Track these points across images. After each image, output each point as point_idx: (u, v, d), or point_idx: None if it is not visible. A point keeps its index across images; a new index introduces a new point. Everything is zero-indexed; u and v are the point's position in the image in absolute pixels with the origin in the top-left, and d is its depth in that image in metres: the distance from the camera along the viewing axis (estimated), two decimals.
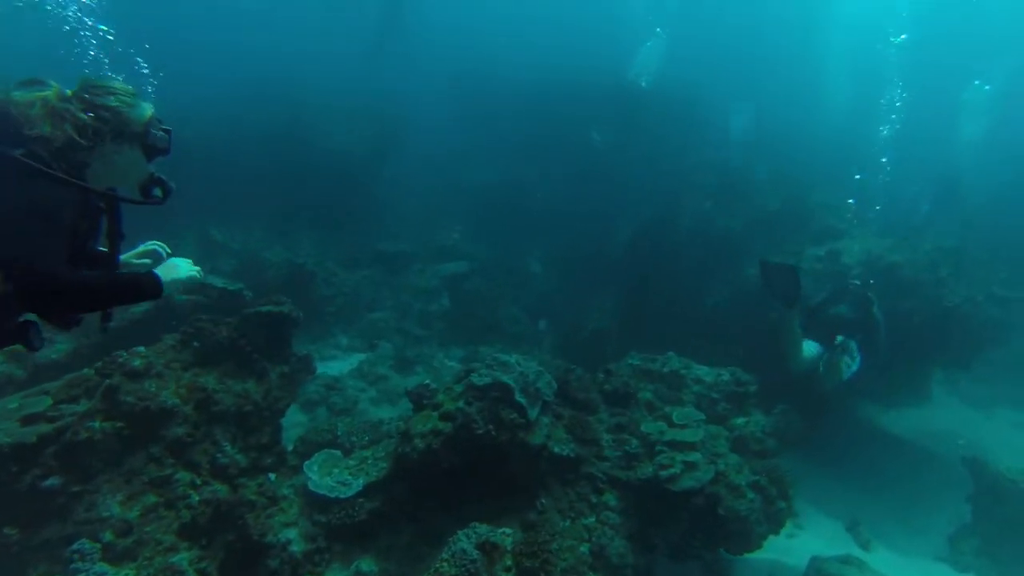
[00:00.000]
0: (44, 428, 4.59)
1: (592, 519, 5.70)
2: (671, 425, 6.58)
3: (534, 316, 13.23)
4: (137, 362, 5.08)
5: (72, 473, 4.59)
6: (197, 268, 2.99)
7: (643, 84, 19.01)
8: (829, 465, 9.51)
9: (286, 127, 16.21)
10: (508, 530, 4.69)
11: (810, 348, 8.34)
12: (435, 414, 5.50)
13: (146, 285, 2.69)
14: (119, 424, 4.78)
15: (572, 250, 15.22)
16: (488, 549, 4.23)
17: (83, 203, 2.65)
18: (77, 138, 2.65)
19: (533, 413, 5.61)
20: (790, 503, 6.33)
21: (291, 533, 5.24)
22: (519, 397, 5.52)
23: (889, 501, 9.13)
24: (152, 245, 3.29)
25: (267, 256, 12.04)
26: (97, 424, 4.73)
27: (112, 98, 2.81)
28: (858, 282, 9.31)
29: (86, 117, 2.70)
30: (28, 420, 4.65)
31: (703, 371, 7.83)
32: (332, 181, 15.52)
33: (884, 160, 14.98)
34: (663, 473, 5.78)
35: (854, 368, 8.20)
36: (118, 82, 2.88)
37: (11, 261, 2.29)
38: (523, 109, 19.46)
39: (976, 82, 22.47)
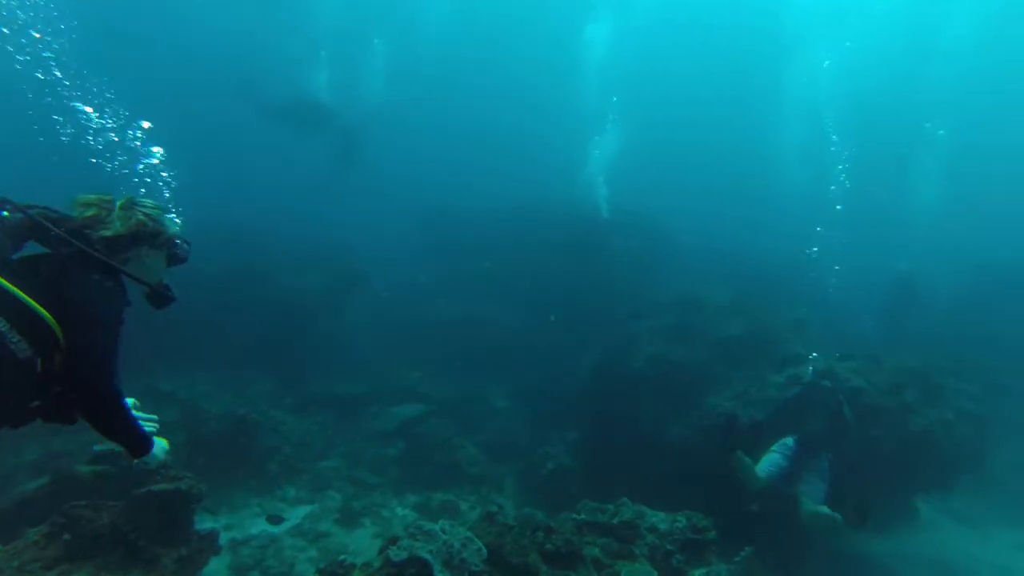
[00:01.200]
0: None
1: None
2: None
3: (496, 455, 12.69)
4: None
5: None
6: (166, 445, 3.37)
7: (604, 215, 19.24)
8: None
9: (241, 269, 15.99)
10: None
11: (767, 464, 8.21)
12: None
13: (144, 438, 3.22)
14: None
15: (538, 383, 14.87)
16: None
17: (126, 296, 3.15)
18: (129, 240, 3.17)
19: None
20: None
21: None
22: (440, 573, 4.99)
23: None
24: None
25: (208, 407, 11.48)
26: None
27: (154, 211, 3.33)
28: (828, 383, 9.09)
29: (139, 223, 3.21)
30: None
31: (659, 518, 7.32)
32: (288, 324, 15.20)
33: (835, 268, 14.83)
34: None
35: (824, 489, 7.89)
36: (151, 200, 3.38)
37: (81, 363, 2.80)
38: (484, 242, 19.56)
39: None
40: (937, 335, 15.19)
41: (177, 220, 3.50)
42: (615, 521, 7.06)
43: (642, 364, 11.94)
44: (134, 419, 3.19)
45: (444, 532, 5.47)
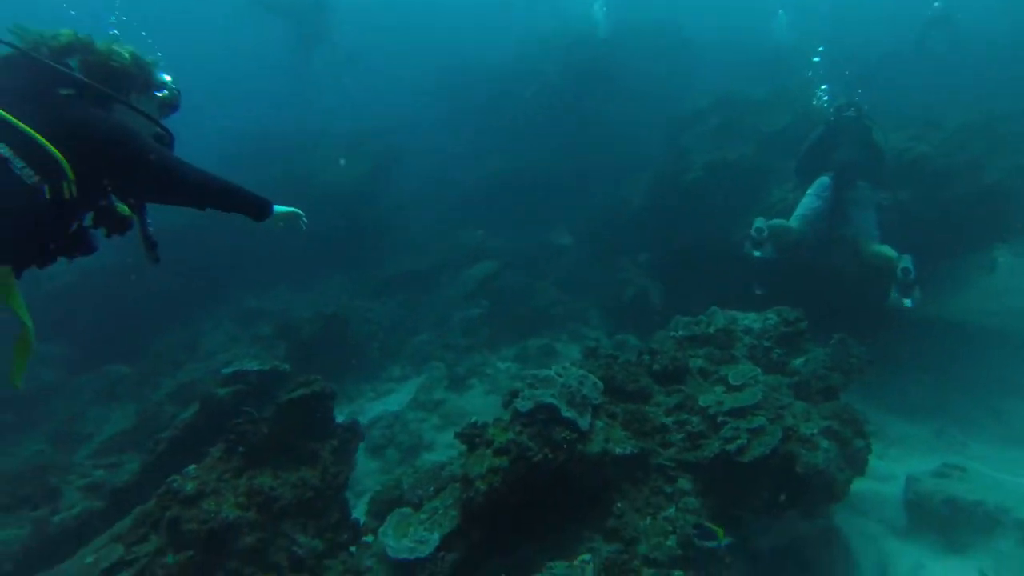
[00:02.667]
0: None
1: (671, 510, 5.57)
2: (729, 388, 6.44)
3: (575, 292, 13.10)
4: (189, 486, 5.13)
5: None
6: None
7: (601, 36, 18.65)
8: (903, 374, 9.21)
9: (282, 176, 16.29)
10: (587, 556, 4.63)
11: (800, 208, 8.69)
12: (488, 451, 5.43)
13: (257, 200, 3.32)
14: (189, 553, 4.82)
15: (598, 215, 15.06)
16: None
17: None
18: (122, 80, 3.24)
19: (585, 423, 5.51)
20: (868, 439, 6.13)
21: None
22: (566, 412, 5.42)
23: (972, 393, 8.84)
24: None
25: (300, 314, 12.07)
26: (170, 558, 4.78)
27: (148, 57, 3.41)
28: (852, 112, 9.01)
29: (128, 64, 3.28)
30: (108, 572, 4.71)
31: (750, 319, 7.65)
32: (342, 217, 15.55)
33: None
34: (730, 447, 5.64)
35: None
36: (131, 46, 3.40)
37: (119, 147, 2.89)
38: (505, 92, 19.33)
39: None
40: (987, 80, 14.64)
41: (166, 76, 3.52)
42: (711, 330, 7.40)
43: (699, 173, 11.99)
44: (221, 179, 3.19)
45: (559, 375, 5.87)
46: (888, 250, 8.03)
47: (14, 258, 2.82)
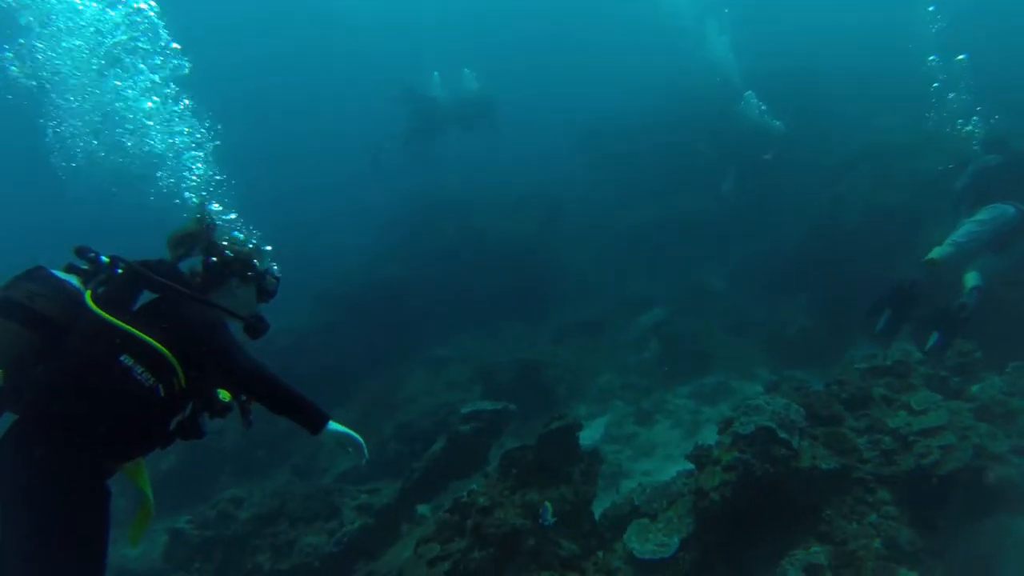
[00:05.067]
0: (445, 567, 6.07)
1: (874, 516, 6.56)
2: (912, 413, 7.35)
3: (739, 333, 14.08)
4: (482, 500, 6.53)
5: None
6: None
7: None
8: None
9: (456, 232, 18.19)
10: (818, 548, 5.70)
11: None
12: (718, 468, 6.59)
13: (317, 413, 3.46)
14: (491, 550, 6.20)
15: (749, 259, 16.01)
16: (812, 570, 5.27)
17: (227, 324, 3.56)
18: (223, 271, 3.64)
19: (796, 442, 6.61)
20: None
21: None
22: (782, 433, 6.54)
23: None
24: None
25: (491, 360, 13.63)
26: (476, 554, 6.17)
27: (241, 246, 3.77)
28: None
29: (231, 257, 3.66)
30: (432, 563, 6.15)
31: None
32: (512, 268, 17.22)
33: None
34: (924, 462, 6.59)
35: None
36: (242, 235, 3.88)
37: (221, 362, 3.29)
38: (652, 144, 20.43)
39: None
40: None
41: (271, 257, 3.92)
42: (888, 363, 8.31)
43: (856, 216, 12.84)
44: (293, 389, 3.44)
45: (768, 404, 6.99)
46: None
47: (145, 452, 3.36)
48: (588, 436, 11.44)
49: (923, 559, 6.31)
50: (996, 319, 9.21)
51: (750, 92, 17.43)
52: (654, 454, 10.70)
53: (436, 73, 24.04)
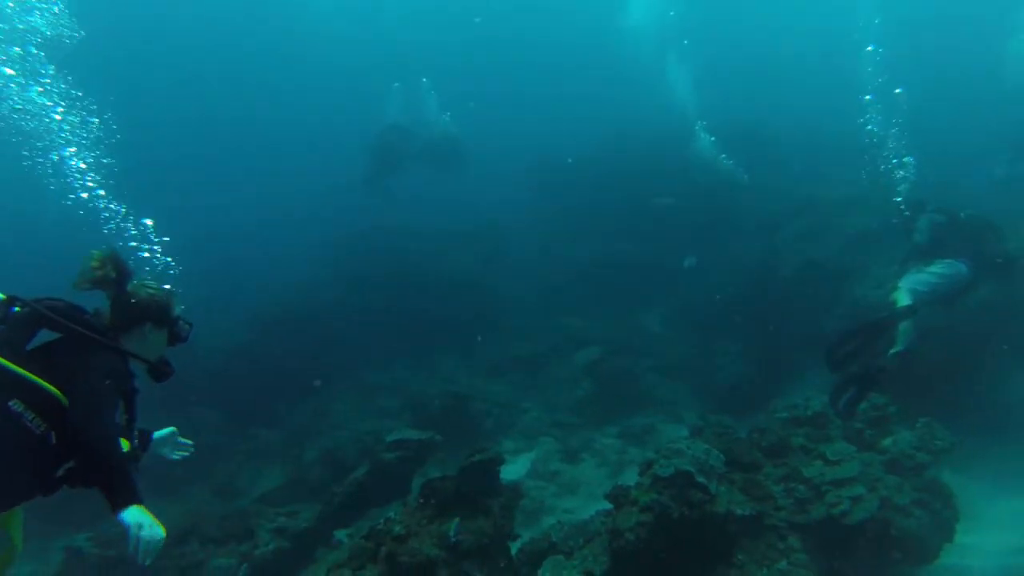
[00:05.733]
0: None
1: (783, 563, 6.69)
2: (827, 463, 7.55)
3: (672, 376, 14.30)
4: (397, 528, 6.48)
5: None
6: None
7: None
8: (998, 447, 9.94)
9: (398, 269, 18.22)
10: None
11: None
12: (635, 509, 6.65)
13: (126, 499, 2.96)
14: None
15: (689, 304, 16.31)
16: None
17: (130, 371, 3.45)
18: (134, 316, 3.54)
19: (713, 487, 6.70)
20: (955, 511, 7.16)
21: None
22: (699, 478, 6.62)
23: None
24: (175, 435, 4.05)
25: (423, 390, 13.61)
26: None
27: (161, 291, 3.70)
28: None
29: (148, 302, 3.59)
30: None
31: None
32: (451, 300, 17.26)
33: None
34: (835, 511, 6.77)
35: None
36: (155, 281, 3.79)
37: (88, 431, 2.99)
38: (598, 178, 20.73)
39: None
40: None
41: (180, 302, 3.84)
42: (808, 413, 8.52)
43: (789, 271, 13.26)
44: (130, 472, 3.10)
45: (689, 448, 7.09)
46: None
47: (27, 499, 3.15)
48: (513, 471, 11.48)
49: None
50: (912, 374, 9.57)
51: (700, 126, 18.03)
52: (578, 492, 10.75)
53: (396, 84, 24.27)
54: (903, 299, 8.83)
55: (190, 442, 4.12)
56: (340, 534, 9.20)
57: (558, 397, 13.98)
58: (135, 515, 2.94)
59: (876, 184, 13.43)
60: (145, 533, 2.92)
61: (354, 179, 22.17)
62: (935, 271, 9.07)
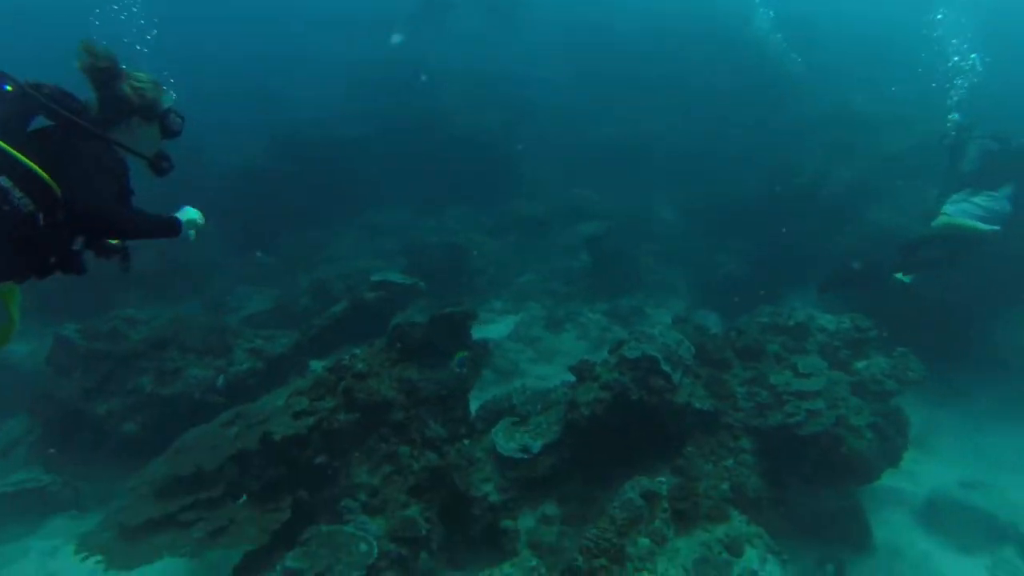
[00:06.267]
0: (309, 421, 6.18)
1: (731, 461, 6.85)
2: (796, 374, 7.59)
3: (671, 263, 14.26)
4: (360, 365, 6.60)
5: (332, 452, 6.19)
6: (199, 213, 3.80)
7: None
8: (959, 395, 10.08)
9: (427, 114, 17.81)
10: (663, 479, 5.93)
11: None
12: (596, 385, 6.75)
13: (170, 222, 3.56)
14: (357, 415, 6.31)
15: (701, 197, 16.05)
16: (649, 497, 5.48)
17: (122, 161, 3.48)
18: (121, 109, 3.51)
19: (677, 377, 6.78)
20: (907, 439, 7.26)
21: (488, 487, 6.65)
22: (664, 366, 6.69)
23: (1019, 428, 9.73)
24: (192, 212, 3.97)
25: (424, 237, 13.61)
26: (342, 416, 6.28)
27: (148, 84, 3.61)
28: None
29: (130, 93, 3.53)
30: (297, 416, 6.24)
31: (826, 319, 8.66)
32: (469, 156, 17.00)
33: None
34: (790, 421, 6.85)
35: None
36: (144, 72, 3.68)
37: (80, 199, 3.09)
38: (640, 58, 20.07)
39: None
40: None
41: (172, 94, 3.74)
42: (791, 323, 8.48)
43: (806, 181, 12.92)
44: (150, 214, 3.42)
45: (661, 335, 7.12)
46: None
47: (14, 276, 3.17)
48: (496, 331, 11.68)
49: (764, 508, 6.64)
50: (907, 306, 9.54)
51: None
52: (553, 361, 10.92)
53: None
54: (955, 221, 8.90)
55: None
56: (315, 365, 9.44)
57: (555, 265, 14.02)
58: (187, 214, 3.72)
59: (925, 101, 12.91)
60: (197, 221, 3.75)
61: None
62: (980, 203, 8.93)
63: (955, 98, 11.29)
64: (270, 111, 21.19)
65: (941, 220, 9.02)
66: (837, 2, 22.69)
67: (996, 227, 8.73)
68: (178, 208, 3.76)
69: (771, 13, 19.44)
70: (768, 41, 18.60)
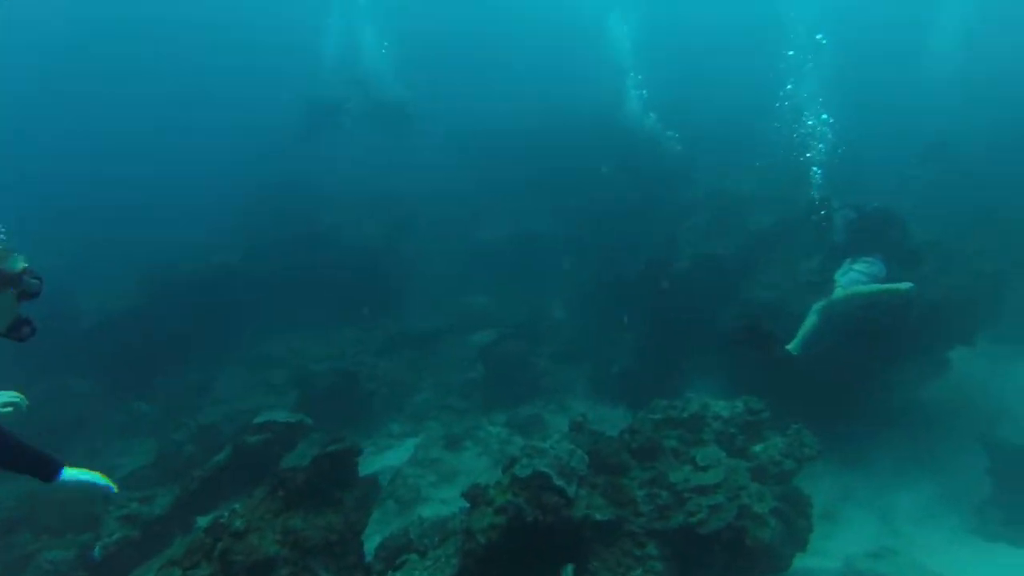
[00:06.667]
0: None
1: (639, 571, 6.60)
2: (696, 468, 7.48)
3: (566, 364, 14.20)
4: (238, 523, 6.12)
5: None
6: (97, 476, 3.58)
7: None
8: (858, 458, 10.27)
9: (306, 231, 17.61)
10: None
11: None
12: (490, 509, 6.44)
13: (46, 469, 3.32)
14: None
15: (591, 291, 16.18)
16: None
17: None
18: None
19: (572, 491, 6.54)
20: (810, 520, 7.20)
21: None
22: (557, 480, 6.46)
23: (918, 482, 9.89)
24: (14, 397, 3.86)
25: (310, 365, 13.18)
26: None
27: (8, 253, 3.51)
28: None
29: None
30: None
31: (720, 406, 8.67)
32: (358, 273, 16.76)
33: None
34: (692, 520, 6.68)
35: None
36: None
37: None
38: (523, 157, 20.46)
39: None
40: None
41: (20, 258, 3.60)
42: (684, 415, 8.43)
43: (687, 263, 13.22)
44: (19, 444, 3.25)
45: (552, 448, 6.91)
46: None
47: None
48: (395, 456, 11.29)
49: None
50: (790, 379, 9.69)
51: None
52: (455, 481, 10.56)
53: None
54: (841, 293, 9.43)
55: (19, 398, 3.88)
56: (203, 521, 8.79)
57: (450, 379, 13.77)
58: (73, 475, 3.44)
59: (787, 176, 13.72)
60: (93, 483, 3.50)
61: (274, 132, 21.53)
62: (861, 269, 9.52)
63: (817, 171, 12.07)
64: (148, 245, 20.49)
65: (840, 293, 9.45)
66: (705, 84, 23.95)
67: (911, 284, 9.21)
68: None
69: (644, 93, 20.24)
70: (643, 123, 19.32)
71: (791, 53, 17.00)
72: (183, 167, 30.02)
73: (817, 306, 9.57)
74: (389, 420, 12.72)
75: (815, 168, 12.35)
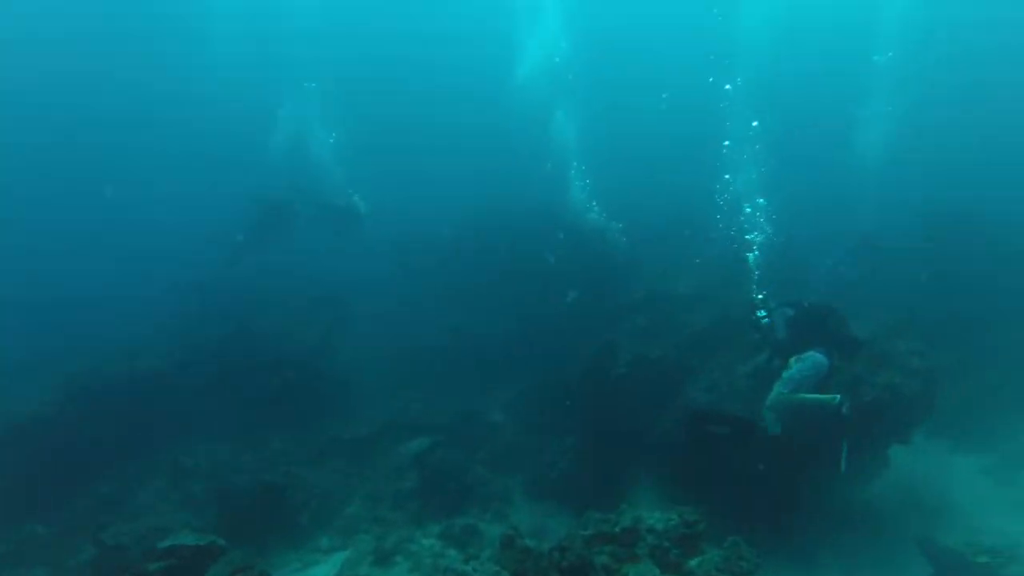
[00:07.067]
0: None
1: None
2: None
3: (503, 471, 13.77)
4: None
5: None
6: None
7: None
8: (807, 560, 10.03)
9: (233, 335, 17.08)
10: None
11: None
12: None
13: None
14: None
15: (529, 394, 15.91)
16: None
17: None
18: None
19: None
20: None
21: None
22: None
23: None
24: None
25: (232, 477, 12.54)
26: None
27: None
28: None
29: None
30: None
31: (655, 518, 8.36)
32: (289, 378, 16.22)
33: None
34: None
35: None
36: None
37: None
38: (467, 255, 20.44)
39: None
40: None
41: None
42: (617, 529, 8.11)
43: (623, 368, 13.07)
44: None
45: (475, 571, 6.51)
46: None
47: None
48: (322, 573, 10.66)
49: None
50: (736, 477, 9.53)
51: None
52: None
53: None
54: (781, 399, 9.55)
55: None
56: None
57: (383, 489, 13.17)
58: None
59: (724, 275, 13.92)
60: None
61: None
62: (799, 368, 9.66)
63: (756, 273, 12.28)
64: (70, 347, 19.59)
65: (777, 399, 9.54)
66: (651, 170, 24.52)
67: (836, 396, 9.27)
68: None
69: (587, 182, 20.49)
70: (587, 217, 19.49)
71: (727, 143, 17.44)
72: (113, 264, 29.45)
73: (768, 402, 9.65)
74: (319, 533, 12.06)
75: (754, 269, 12.54)
